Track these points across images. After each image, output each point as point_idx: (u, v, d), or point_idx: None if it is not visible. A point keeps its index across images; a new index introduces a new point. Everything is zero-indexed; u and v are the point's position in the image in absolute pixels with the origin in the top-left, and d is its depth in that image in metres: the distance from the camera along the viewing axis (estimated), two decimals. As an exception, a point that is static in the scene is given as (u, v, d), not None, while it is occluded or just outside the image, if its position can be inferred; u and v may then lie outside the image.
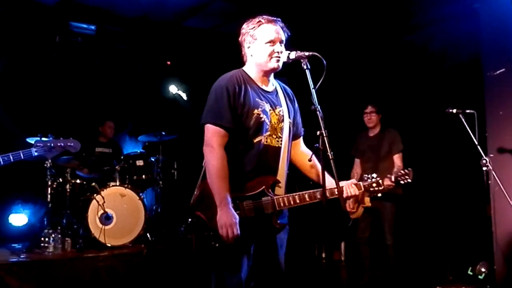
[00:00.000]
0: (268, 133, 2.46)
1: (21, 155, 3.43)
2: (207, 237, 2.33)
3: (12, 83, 6.15)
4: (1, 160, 3.35)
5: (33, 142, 5.13)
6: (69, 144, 3.68)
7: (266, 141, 2.45)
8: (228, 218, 2.25)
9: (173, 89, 6.68)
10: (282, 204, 2.43)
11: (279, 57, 2.46)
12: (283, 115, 2.55)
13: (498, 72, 4.13)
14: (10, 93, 6.13)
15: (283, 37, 2.51)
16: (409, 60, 5.69)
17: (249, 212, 2.37)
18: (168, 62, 7.23)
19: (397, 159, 4.80)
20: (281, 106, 2.56)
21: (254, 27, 2.50)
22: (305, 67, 2.34)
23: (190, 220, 2.39)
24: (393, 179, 3.31)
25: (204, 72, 6.27)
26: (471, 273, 4.62)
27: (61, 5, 5.84)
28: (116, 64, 6.93)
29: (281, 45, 2.49)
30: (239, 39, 2.57)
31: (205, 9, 6.02)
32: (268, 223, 2.40)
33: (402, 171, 3.28)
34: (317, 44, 2.57)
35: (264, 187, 2.41)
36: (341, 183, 2.45)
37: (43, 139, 4.54)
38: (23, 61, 6.24)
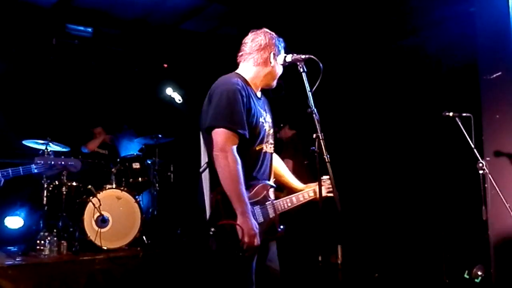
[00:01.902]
0: (265, 140, 2.49)
1: (21, 171, 3.49)
2: (230, 246, 2.23)
3: (8, 85, 6.13)
4: (1, 176, 3.44)
5: (29, 144, 5.15)
6: (69, 163, 3.69)
7: (265, 149, 2.49)
8: (251, 227, 2.20)
9: (169, 91, 6.68)
10: (280, 208, 2.47)
11: None
12: (271, 122, 2.59)
13: (494, 75, 4.13)
14: (6, 95, 6.12)
15: None
16: (405, 64, 5.71)
17: (259, 218, 2.36)
18: (165, 65, 7.23)
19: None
20: (268, 113, 2.60)
21: (282, 43, 2.54)
22: (301, 70, 2.35)
23: (213, 230, 2.22)
24: None
25: (200, 75, 6.28)
26: (467, 277, 4.61)
27: (57, 7, 5.83)
28: (113, 67, 6.92)
29: None
30: (257, 39, 2.51)
31: (201, 12, 6.03)
32: (273, 228, 2.43)
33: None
34: (312, 48, 2.57)
35: (265, 192, 2.43)
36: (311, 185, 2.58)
37: (49, 147, 4.57)
38: (19, 63, 6.22)
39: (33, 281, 4.23)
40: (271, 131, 2.57)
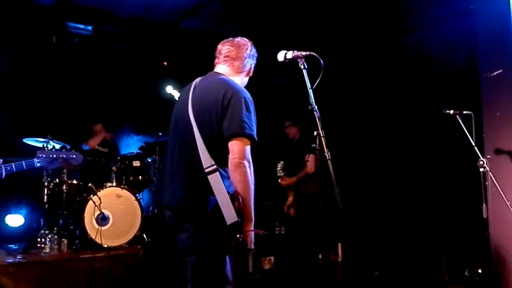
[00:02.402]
0: None
1: (24, 165, 3.48)
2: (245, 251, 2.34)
3: (9, 83, 6.13)
4: (3, 170, 3.44)
5: (30, 142, 5.15)
6: (71, 156, 3.68)
7: None
8: (253, 241, 2.33)
9: (169, 89, 6.67)
10: None
11: None
12: None
13: (495, 73, 4.13)
14: (7, 94, 6.12)
15: None
16: (405, 61, 5.71)
17: None
18: (165, 63, 7.23)
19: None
20: None
21: (256, 55, 2.61)
22: (302, 67, 2.35)
23: (240, 236, 2.26)
24: None
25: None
26: (468, 274, 4.62)
27: (57, 6, 5.83)
28: (113, 65, 6.92)
29: None
30: (241, 49, 2.58)
31: (201, 10, 6.03)
32: None
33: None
34: (311, 47, 2.56)
35: None
36: None
37: (49, 145, 4.58)
38: (20, 62, 6.22)
39: (33, 278, 4.23)
40: None
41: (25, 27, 6.12)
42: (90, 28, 6.24)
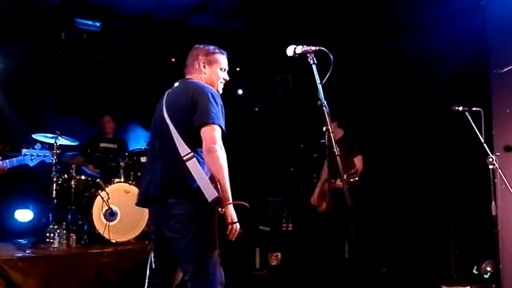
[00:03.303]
0: None
1: (14, 162, 3.88)
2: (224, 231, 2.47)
3: (18, 79, 6.17)
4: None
5: (39, 138, 5.19)
6: (45, 154, 4.04)
7: None
8: (235, 214, 2.46)
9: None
10: None
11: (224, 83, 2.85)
12: None
13: (505, 69, 4.10)
14: (16, 89, 6.16)
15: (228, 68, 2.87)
16: (414, 57, 5.67)
17: None
18: (173, 59, 7.24)
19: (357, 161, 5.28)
20: None
21: (211, 52, 2.82)
22: (311, 62, 2.34)
23: (222, 210, 2.43)
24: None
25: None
26: (476, 272, 4.60)
27: (66, 2, 5.85)
28: (121, 61, 6.94)
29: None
30: (191, 55, 2.84)
31: (209, 6, 6.02)
32: None
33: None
34: (322, 42, 2.55)
35: None
36: None
37: (58, 141, 4.78)
38: (29, 58, 6.25)
39: (42, 273, 4.27)
40: None
41: (34, 23, 6.15)
42: (98, 24, 6.26)
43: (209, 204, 2.39)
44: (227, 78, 2.88)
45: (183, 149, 2.51)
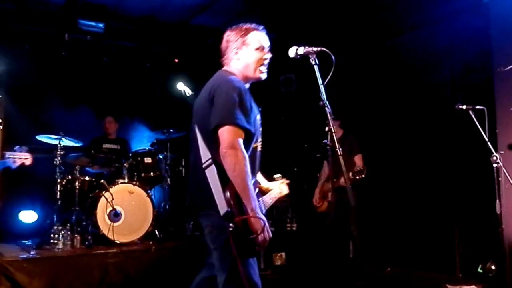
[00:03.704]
0: (259, 138, 2.54)
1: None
2: (249, 241, 2.24)
3: (22, 80, 6.19)
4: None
5: (42, 139, 5.21)
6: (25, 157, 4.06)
7: (259, 147, 2.53)
8: (263, 224, 2.23)
9: (181, 86, 6.69)
10: (266, 203, 2.58)
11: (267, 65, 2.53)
12: (260, 119, 2.60)
13: (508, 68, 4.08)
14: (20, 91, 6.18)
15: (268, 44, 2.55)
16: (418, 56, 5.66)
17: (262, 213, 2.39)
18: (176, 60, 7.25)
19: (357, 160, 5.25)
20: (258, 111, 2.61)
21: (243, 33, 2.51)
22: (313, 62, 2.33)
23: (231, 225, 2.20)
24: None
25: (211, 70, 6.27)
26: (481, 271, 4.58)
27: (69, 3, 5.87)
28: (124, 62, 6.95)
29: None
30: (223, 44, 2.56)
31: (212, 6, 6.03)
32: None
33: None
34: (326, 43, 2.55)
35: (257, 189, 2.49)
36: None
37: (62, 142, 4.84)
38: (32, 59, 6.27)
39: (47, 274, 4.28)
40: (260, 129, 2.61)
41: (37, 25, 6.16)
42: (101, 25, 6.27)
43: (235, 213, 2.20)
44: (268, 57, 2.53)
45: (204, 155, 2.33)
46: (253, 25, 2.54)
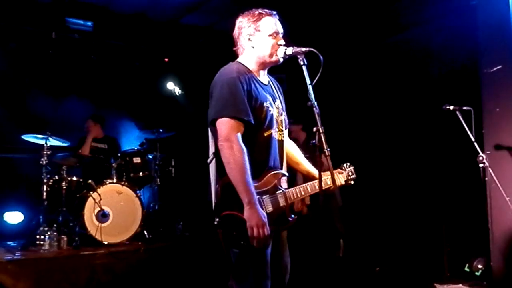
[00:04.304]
0: (274, 126, 2.45)
1: None
2: (236, 236, 2.21)
3: (8, 79, 6.12)
4: None
5: (29, 139, 5.16)
6: None
7: (274, 135, 2.45)
8: (259, 218, 2.16)
9: (170, 86, 6.67)
10: (292, 197, 2.44)
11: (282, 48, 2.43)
12: (281, 108, 2.55)
13: (495, 69, 4.12)
14: (6, 90, 6.10)
15: (281, 30, 2.50)
16: (406, 57, 5.69)
17: (268, 207, 2.31)
18: (166, 59, 7.21)
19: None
20: (277, 99, 2.55)
21: (255, 19, 2.45)
22: (301, 63, 2.32)
23: (217, 220, 2.20)
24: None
25: (202, 69, 6.25)
26: (468, 270, 4.62)
27: (57, 1, 5.81)
28: (113, 61, 6.90)
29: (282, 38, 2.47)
30: (235, 31, 2.50)
31: (203, 6, 6.00)
32: (283, 217, 2.39)
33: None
34: (309, 43, 2.54)
35: (276, 181, 2.39)
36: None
37: (48, 142, 4.71)
38: (19, 58, 6.20)
39: (33, 276, 4.22)
40: (282, 117, 2.53)
41: (24, 23, 6.08)
42: (90, 24, 6.21)
43: (223, 207, 2.20)
44: (282, 42, 2.44)
45: (211, 151, 2.36)
46: (266, 10, 2.49)
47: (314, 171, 2.67)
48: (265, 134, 2.39)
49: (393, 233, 5.70)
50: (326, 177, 2.52)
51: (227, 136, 2.22)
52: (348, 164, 2.80)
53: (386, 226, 5.80)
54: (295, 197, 2.45)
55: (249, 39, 2.45)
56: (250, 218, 2.15)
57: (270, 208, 2.30)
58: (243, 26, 2.47)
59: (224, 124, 2.25)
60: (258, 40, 2.44)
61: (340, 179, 2.71)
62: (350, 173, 2.77)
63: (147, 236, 5.33)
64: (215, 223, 2.20)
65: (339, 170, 2.76)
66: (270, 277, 2.35)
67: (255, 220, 2.15)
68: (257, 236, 2.14)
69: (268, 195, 2.33)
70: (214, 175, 2.31)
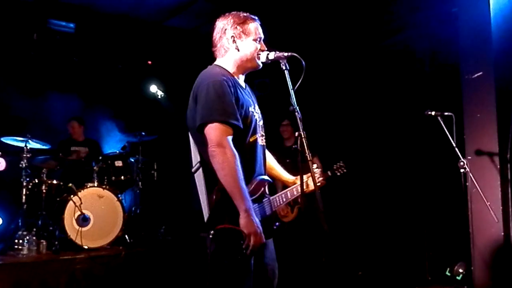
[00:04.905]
0: (257, 131, 2.40)
1: None
2: (231, 250, 2.13)
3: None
4: None
5: (8, 141, 5.06)
6: None
7: (259, 141, 2.40)
8: (256, 227, 2.09)
9: (154, 89, 6.61)
10: (276, 204, 2.41)
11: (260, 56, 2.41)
12: (260, 113, 2.50)
13: (476, 75, 4.17)
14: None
15: (263, 36, 2.47)
16: (388, 63, 5.74)
17: (258, 216, 2.22)
18: (149, 62, 7.16)
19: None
20: (256, 104, 2.51)
21: (242, 21, 2.40)
22: (284, 67, 2.31)
23: (212, 233, 2.11)
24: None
25: (185, 73, 6.21)
26: (449, 274, 4.66)
27: (39, 2, 5.73)
28: (96, 63, 6.82)
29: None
30: (216, 32, 2.43)
31: (187, 9, 5.98)
32: (269, 225, 2.34)
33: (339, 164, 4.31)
34: (297, 48, 2.54)
35: (263, 188, 2.35)
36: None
37: (28, 145, 4.63)
38: (-1, 59, 6.10)
39: (11, 281, 4.15)
40: (261, 122, 2.48)
41: (5, 24, 5.99)
42: (72, 25, 6.14)
43: (218, 219, 2.11)
44: (264, 48, 2.42)
45: (194, 159, 2.25)
46: (250, 16, 2.45)
47: (286, 176, 2.67)
48: (251, 140, 2.34)
49: (375, 237, 5.73)
50: (305, 180, 2.46)
51: (219, 142, 2.13)
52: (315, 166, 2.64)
53: (368, 230, 5.83)
54: (279, 204, 2.43)
55: (233, 40, 2.38)
56: (248, 227, 2.08)
57: (259, 217, 2.23)
58: (227, 27, 2.39)
59: (214, 129, 2.15)
60: (243, 43, 2.38)
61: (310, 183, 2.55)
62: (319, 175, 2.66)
63: (128, 241, 5.27)
64: (210, 236, 2.11)
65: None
66: (253, 285, 2.29)
67: (253, 228, 2.09)
68: (253, 245, 2.09)
69: (257, 204, 2.28)
70: (203, 185, 2.20)
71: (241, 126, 2.24)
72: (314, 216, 5.10)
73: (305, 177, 2.40)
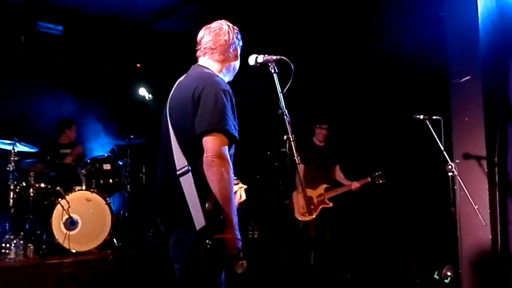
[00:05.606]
0: None
1: None
2: (224, 259, 2.18)
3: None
4: None
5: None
6: None
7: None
8: (239, 242, 2.16)
9: (142, 92, 6.59)
10: None
11: None
12: None
13: (463, 79, 4.20)
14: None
15: None
16: (377, 67, 5.78)
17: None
18: (138, 65, 7.13)
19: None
20: None
21: (240, 36, 2.46)
22: (272, 71, 2.32)
23: (209, 242, 2.08)
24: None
25: (173, 76, 6.18)
26: (437, 277, 4.69)
27: (27, 4, 5.68)
28: (84, 66, 6.78)
29: None
30: (221, 38, 2.38)
31: (175, 12, 5.97)
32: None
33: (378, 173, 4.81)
34: (285, 51, 2.55)
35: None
36: None
37: (16, 148, 4.56)
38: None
39: (-3, 286, 4.11)
40: None
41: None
42: (60, 28, 6.10)
43: (212, 228, 2.08)
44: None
45: (180, 161, 2.16)
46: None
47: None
48: (233, 151, 2.31)
49: (364, 240, 5.75)
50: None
51: (220, 153, 2.09)
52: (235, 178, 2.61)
53: (357, 233, 5.85)
54: None
55: (235, 55, 2.43)
56: (235, 241, 2.13)
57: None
58: (234, 38, 2.41)
59: (217, 139, 2.10)
60: (237, 61, 2.46)
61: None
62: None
63: (116, 244, 5.23)
64: (207, 246, 2.07)
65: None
66: None
67: (238, 243, 2.15)
68: (238, 257, 2.16)
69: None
70: (194, 190, 2.12)
71: (238, 138, 2.22)
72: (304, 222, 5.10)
73: (237, 187, 2.38)
